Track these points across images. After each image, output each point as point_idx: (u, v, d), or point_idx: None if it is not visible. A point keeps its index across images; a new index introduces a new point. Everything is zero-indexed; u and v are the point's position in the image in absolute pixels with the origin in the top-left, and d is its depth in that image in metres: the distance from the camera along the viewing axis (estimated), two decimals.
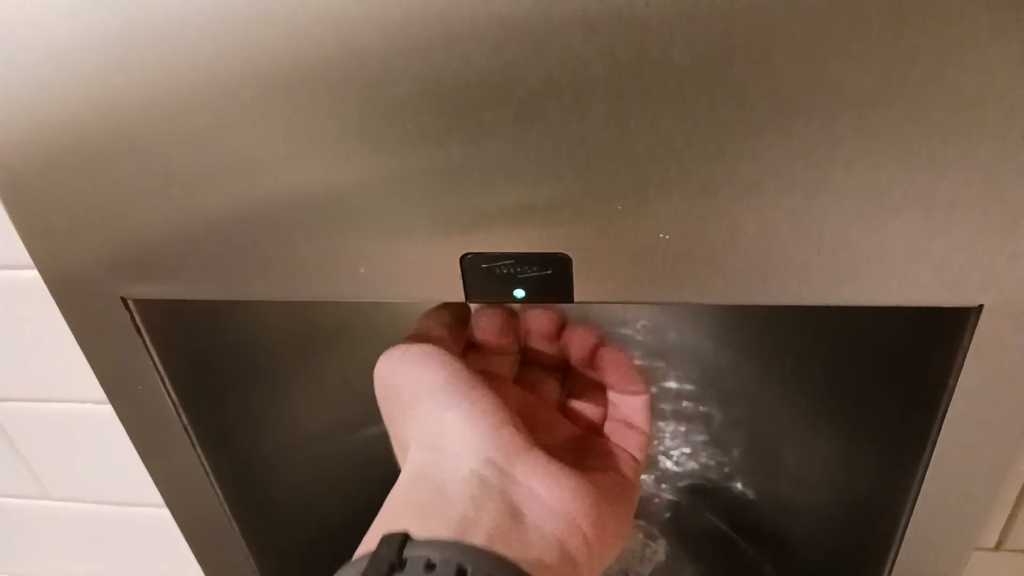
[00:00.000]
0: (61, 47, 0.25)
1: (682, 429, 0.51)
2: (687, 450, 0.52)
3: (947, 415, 0.29)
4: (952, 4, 0.21)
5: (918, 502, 0.32)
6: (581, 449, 0.31)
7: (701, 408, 0.50)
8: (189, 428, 0.36)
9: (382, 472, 0.44)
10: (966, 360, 0.28)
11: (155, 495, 0.39)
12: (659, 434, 0.52)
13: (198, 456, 0.37)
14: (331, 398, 0.44)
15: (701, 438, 0.51)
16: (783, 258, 0.25)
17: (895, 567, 0.36)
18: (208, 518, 0.40)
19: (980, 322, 0.27)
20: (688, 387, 0.50)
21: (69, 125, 0.26)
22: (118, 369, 0.34)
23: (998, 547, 0.43)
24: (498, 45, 0.23)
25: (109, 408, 0.35)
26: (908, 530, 0.34)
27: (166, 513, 0.39)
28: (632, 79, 0.23)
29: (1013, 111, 0.22)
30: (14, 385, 0.47)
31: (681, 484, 0.53)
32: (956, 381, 0.28)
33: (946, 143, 0.23)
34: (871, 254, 0.25)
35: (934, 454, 0.31)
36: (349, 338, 0.43)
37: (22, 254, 0.30)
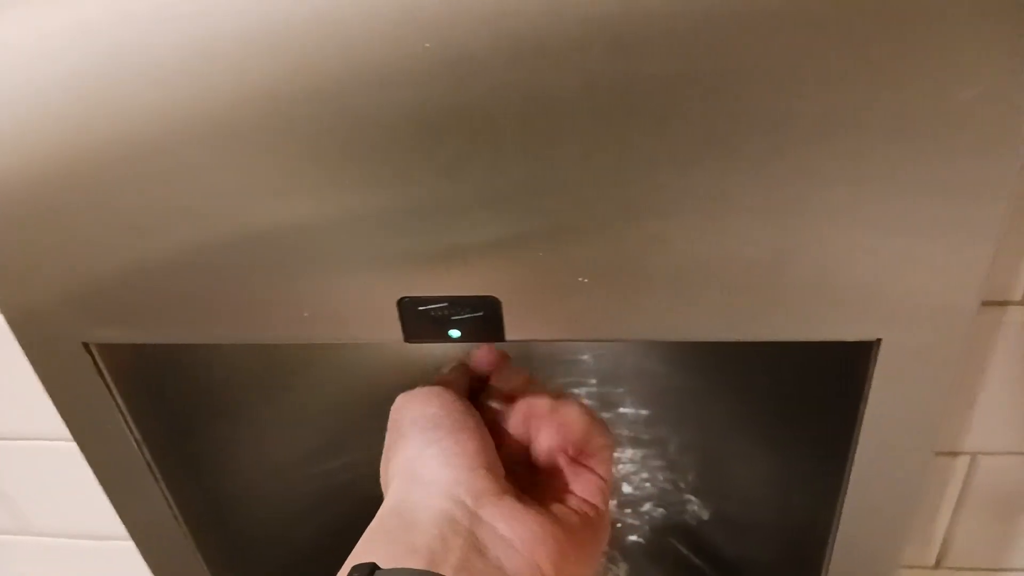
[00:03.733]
0: (17, 98, 0.26)
1: (639, 455, 0.53)
2: (645, 475, 0.54)
3: (859, 442, 0.31)
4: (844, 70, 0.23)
5: (841, 522, 0.34)
6: (552, 490, 0.32)
7: (656, 434, 0.52)
8: (153, 465, 0.38)
9: (344, 504, 0.46)
10: (871, 390, 0.30)
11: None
12: (618, 460, 0.54)
13: (162, 492, 0.39)
14: (292, 433, 0.45)
15: (658, 463, 0.53)
16: (690, 299, 0.27)
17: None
18: (174, 551, 0.41)
19: (879, 355, 0.29)
20: (644, 413, 0.52)
21: (27, 174, 0.28)
22: (82, 410, 0.36)
23: (937, 565, 0.45)
24: (421, 104, 0.25)
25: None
26: (835, 548, 0.35)
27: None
28: (544, 142, 0.25)
29: (896, 164, 0.24)
30: None
31: (641, 508, 0.54)
32: (864, 409, 0.30)
33: (837, 194, 0.25)
34: (773, 294, 0.27)
35: (850, 478, 0.32)
36: (308, 374, 0.44)
37: None
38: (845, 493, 0.33)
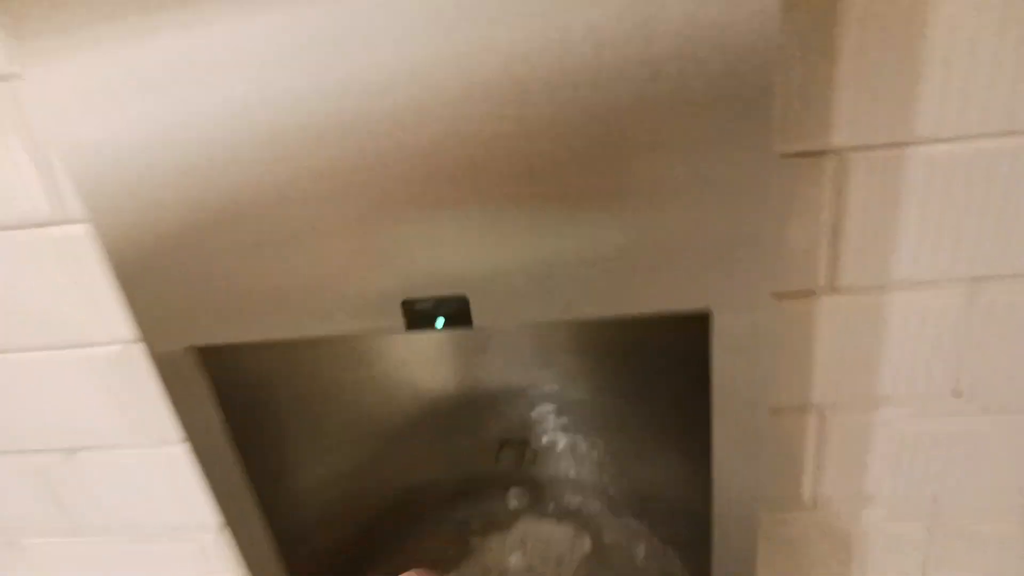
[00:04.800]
0: (166, 162, 0.44)
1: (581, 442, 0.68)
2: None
3: (713, 401, 0.47)
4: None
5: (714, 475, 0.49)
6: None
7: (591, 425, 0.67)
8: (239, 456, 0.53)
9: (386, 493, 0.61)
10: (713, 357, 0.45)
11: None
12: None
13: (247, 481, 0.54)
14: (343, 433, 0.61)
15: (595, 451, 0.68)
16: (577, 284, 0.44)
17: (715, 521, 0.52)
18: (254, 533, 0.56)
19: (714, 324, 0.45)
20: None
21: (172, 217, 0.45)
22: (189, 408, 0.52)
23: (815, 506, 0.59)
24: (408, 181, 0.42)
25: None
26: (714, 490, 0.50)
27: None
28: (468, 210, 0.42)
29: (685, 185, 0.41)
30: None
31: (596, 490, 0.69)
32: (712, 374, 0.46)
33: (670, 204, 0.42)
34: (632, 276, 0.43)
35: (713, 433, 0.48)
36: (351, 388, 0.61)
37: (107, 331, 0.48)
38: (711, 448, 0.48)
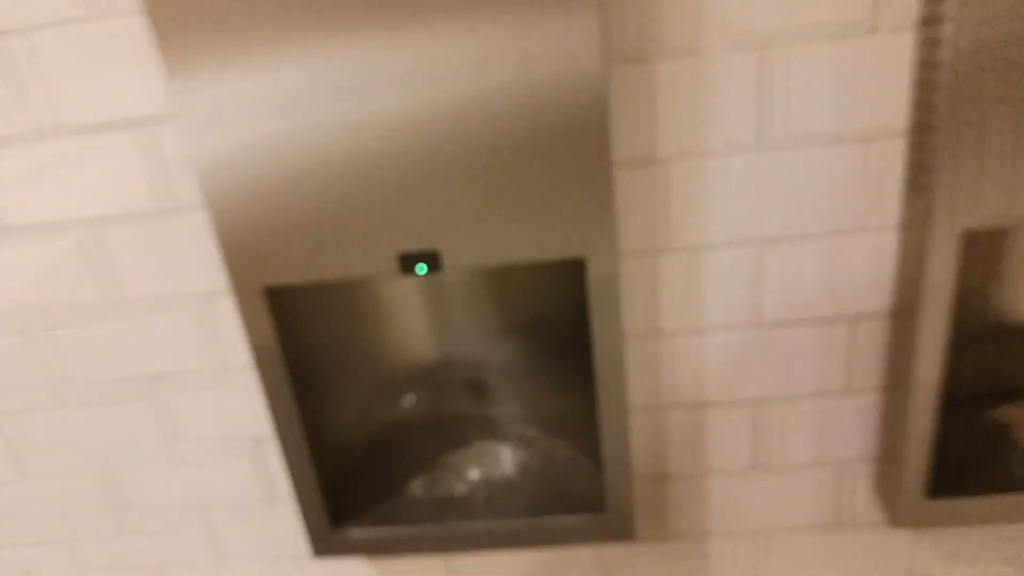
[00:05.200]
0: (273, 135, 0.72)
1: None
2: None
3: (595, 342, 0.75)
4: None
5: (598, 387, 0.77)
6: None
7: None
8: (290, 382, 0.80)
9: (386, 417, 0.88)
10: (591, 297, 0.74)
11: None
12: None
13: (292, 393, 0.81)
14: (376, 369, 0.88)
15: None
16: (491, 236, 0.72)
17: (601, 422, 0.80)
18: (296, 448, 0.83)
19: (589, 271, 0.73)
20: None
21: (265, 178, 0.73)
22: (264, 336, 0.79)
23: (672, 407, 0.87)
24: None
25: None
26: (599, 397, 0.78)
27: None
28: (435, 195, 0.71)
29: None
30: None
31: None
32: (591, 312, 0.74)
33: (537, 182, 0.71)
34: (519, 231, 0.72)
35: (595, 356, 0.76)
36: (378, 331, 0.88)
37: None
38: (594, 368, 0.77)
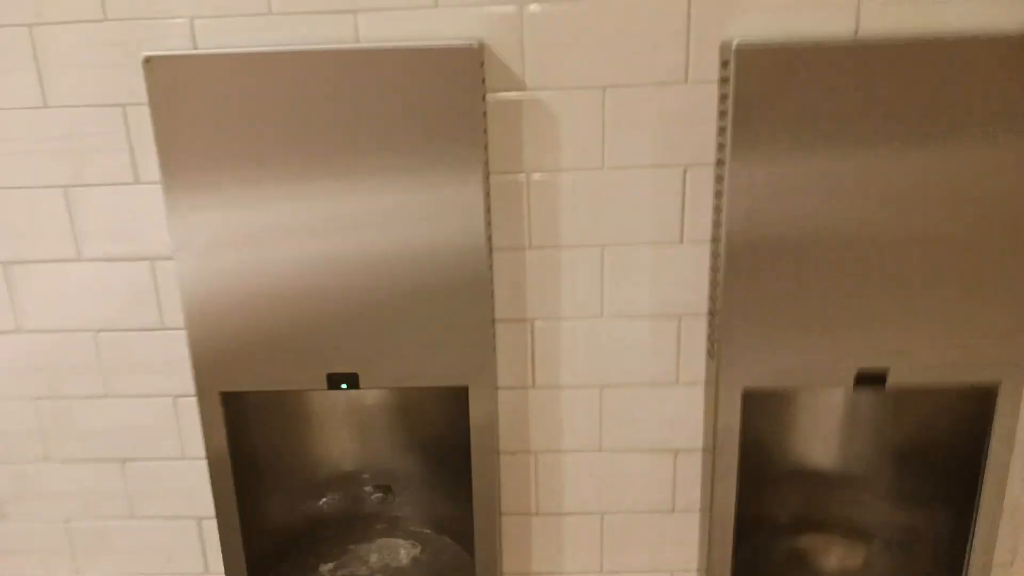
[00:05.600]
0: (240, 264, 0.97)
1: None
2: None
3: (473, 458, 0.99)
4: None
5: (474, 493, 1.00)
6: None
7: None
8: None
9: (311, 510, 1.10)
10: (471, 423, 0.98)
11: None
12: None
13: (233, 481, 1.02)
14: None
15: None
16: (398, 365, 0.97)
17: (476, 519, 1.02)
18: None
19: (471, 399, 0.97)
20: None
21: (229, 307, 0.97)
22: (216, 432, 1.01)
23: (534, 385, 1.08)
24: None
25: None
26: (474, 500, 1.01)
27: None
28: (364, 322, 0.96)
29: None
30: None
31: None
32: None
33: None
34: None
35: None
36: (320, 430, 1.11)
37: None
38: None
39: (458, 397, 0.99)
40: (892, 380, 0.95)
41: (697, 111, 0.91)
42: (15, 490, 1.12)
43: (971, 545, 1.03)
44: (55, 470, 1.10)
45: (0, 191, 0.97)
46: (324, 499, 1.18)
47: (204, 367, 0.98)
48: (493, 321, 0.98)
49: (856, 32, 0.88)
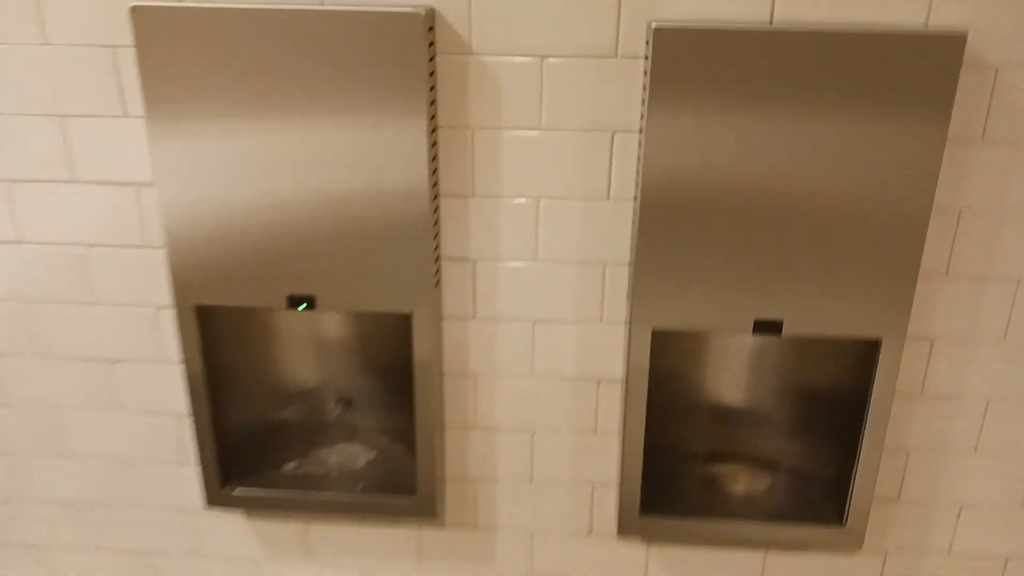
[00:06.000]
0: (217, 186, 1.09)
1: None
2: None
3: (416, 376, 1.12)
4: None
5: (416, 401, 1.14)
6: None
7: None
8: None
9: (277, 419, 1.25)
10: (415, 346, 1.11)
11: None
12: None
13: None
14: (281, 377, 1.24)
15: None
16: (350, 291, 1.10)
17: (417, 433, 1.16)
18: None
19: (414, 324, 1.11)
20: None
21: (205, 230, 1.10)
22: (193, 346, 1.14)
23: (475, 316, 1.23)
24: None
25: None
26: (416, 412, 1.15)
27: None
28: (317, 247, 1.08)
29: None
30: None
31: None
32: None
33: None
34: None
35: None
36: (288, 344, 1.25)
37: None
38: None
39: (408, 323, 1.12)
40: (787, 330, 1.07)
41: (625, 82, 1.01)
42: (12, 382, 1.26)
43: (854, 478, 1.17)
44: (48, 365, 1.25)
45: (4, 116, 1.09)
46: (289, 408, 1.32)
47: (181, 282, 1.11)
48: (438, 258, 1.10)
49: (771, 20, 0.97)
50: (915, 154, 0.98)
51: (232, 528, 1.35)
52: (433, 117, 1.02)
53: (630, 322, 1.09)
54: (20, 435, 1.31)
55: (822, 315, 1.06)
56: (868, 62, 0.94)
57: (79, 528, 1.37)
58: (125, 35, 1.03)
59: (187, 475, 1.31)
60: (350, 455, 1.33)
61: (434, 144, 1.04)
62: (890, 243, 1.02)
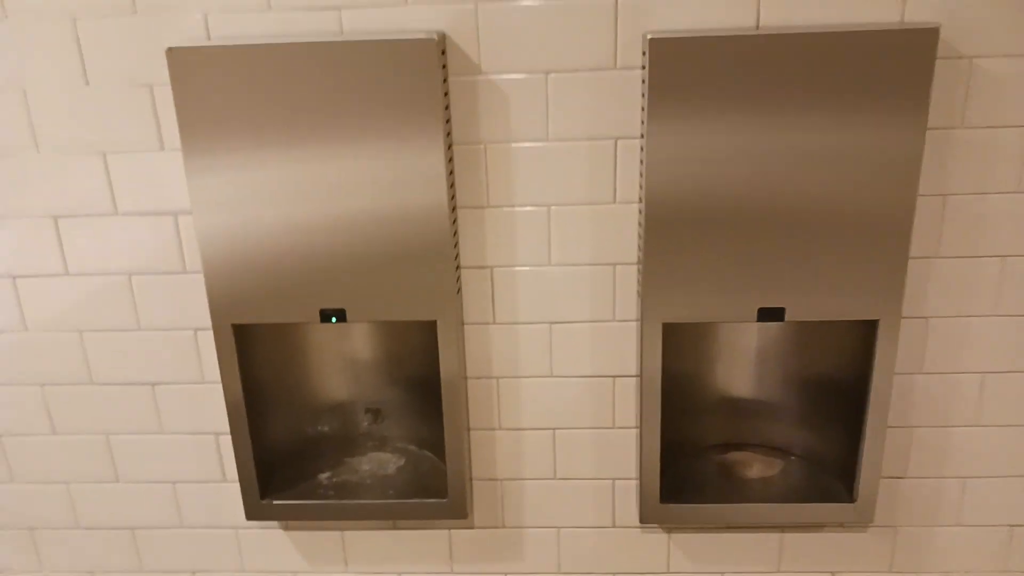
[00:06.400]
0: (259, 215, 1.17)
1: None
2: None
3: (443, 383, 1.19)
4: None
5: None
6: None
7: None
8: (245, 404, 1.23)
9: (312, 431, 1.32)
10: (440, 351, 1.18)
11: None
12: None
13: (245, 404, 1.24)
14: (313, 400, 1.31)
15: None
16: (376, 302, 1.17)
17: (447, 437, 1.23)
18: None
19: (439, 331, 1.18)
20: None
21: (241, 254, 1.17)
22: (229, 357, 1.21)
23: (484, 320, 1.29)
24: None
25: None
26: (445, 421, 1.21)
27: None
28: (342, 271, 1.16)
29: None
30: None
31: None
32: None
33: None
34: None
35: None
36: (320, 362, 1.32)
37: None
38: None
39: (432, 332, 1.19)
40: (789, 316, 1.14)
41: (625, 92, 1.10)
42: (62, 410, 1.33)
43: (861, 457, 1.23)
44: (95, 392, 1.32)
45: (50, 155, 1.17)
46: (322, 420, 1.39)
47: (218, 304, 1.18)
48: (458, 267, 1.18)
49: (757, 26, 1.06)
50: (898, 143, 1.05)
51: (272, 542, 1.41)
52: (448, 135, 1.10)
53: (642, 318, 1.16)
54: (71, 462, 1.37)
55: (821, 300, 1.13)
56: (849, 59, 1.02)
57: (127, 551, 1.43)
58: (158, 74, 1.11)
59: (227, 491, 1.38)
60: (381, 463, 1.39)
61: (450, 160, 1.12)
62: (881, 228, 1.09)
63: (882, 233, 1.09)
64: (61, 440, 1.36)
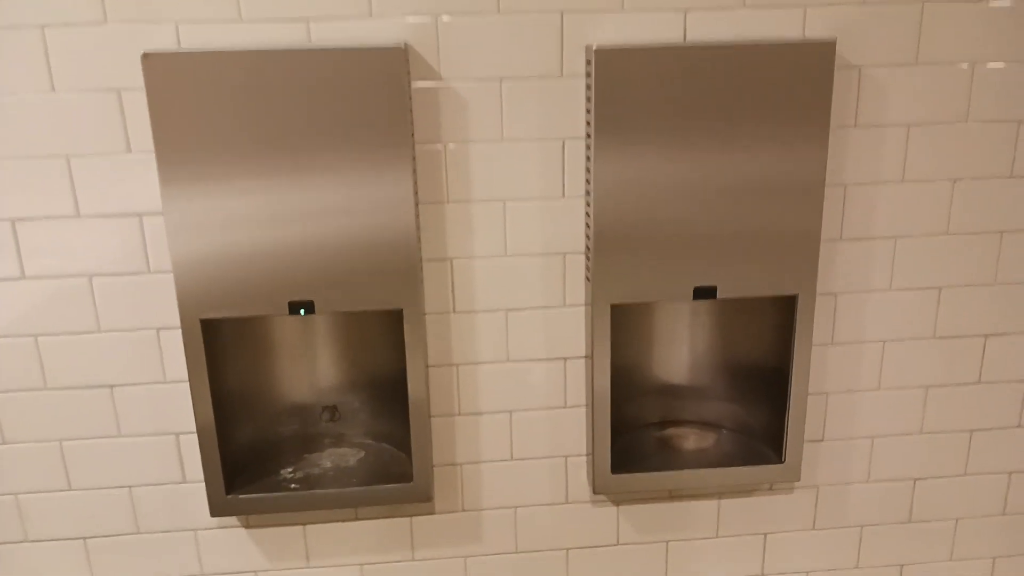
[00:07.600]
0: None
1: None
2: None
3: (408, 371, 1.27)
4: None
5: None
6: None
7: None
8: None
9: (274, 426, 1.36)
10: (406, 339, 1.26)
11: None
12: None
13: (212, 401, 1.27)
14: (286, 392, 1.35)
15: None
16: (341, 294, 1.24)
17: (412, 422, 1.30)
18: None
19: (405, 319, 1.25)
20: None
21: (209, 254, 1.21)
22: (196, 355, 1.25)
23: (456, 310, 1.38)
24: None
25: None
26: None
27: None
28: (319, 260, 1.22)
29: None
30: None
31: None
32: None
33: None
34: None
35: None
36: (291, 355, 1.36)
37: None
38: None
39: (394, 325, 1.27)
40: (720, 293, 1.28)
41: (571, 97, 1.22)
42: (15, 415, 1.33)
43: (787, 422, 1.38)
44: (52, 396, 1.32)
45: (11, 160, 1.19)
46: (286, 416, 1.43)
47: (187, 300, 1.22)
48: (421, 259, 1.26)
49: (684, 38, 1.20)
50: (806, 141, 1.22)
51: (233, 541, 1.43)
52: (411, 135, 1.19)
53: (592, 301, 1.27)
54: (23, 471, 1.36)
55: (748, 279, 1.28)
56: (762, 68, 1.18)
57: (79, 562, 1.42)
58: (128, 79, 1.15)
59: (187, 491, 1.39)
60: (342, 457, 1.44)
61: (413, 159, 1.21)
62: (796, 215, 1.25)
63: (798, 218, 1.25)
64: (12, 449, 1.34)
